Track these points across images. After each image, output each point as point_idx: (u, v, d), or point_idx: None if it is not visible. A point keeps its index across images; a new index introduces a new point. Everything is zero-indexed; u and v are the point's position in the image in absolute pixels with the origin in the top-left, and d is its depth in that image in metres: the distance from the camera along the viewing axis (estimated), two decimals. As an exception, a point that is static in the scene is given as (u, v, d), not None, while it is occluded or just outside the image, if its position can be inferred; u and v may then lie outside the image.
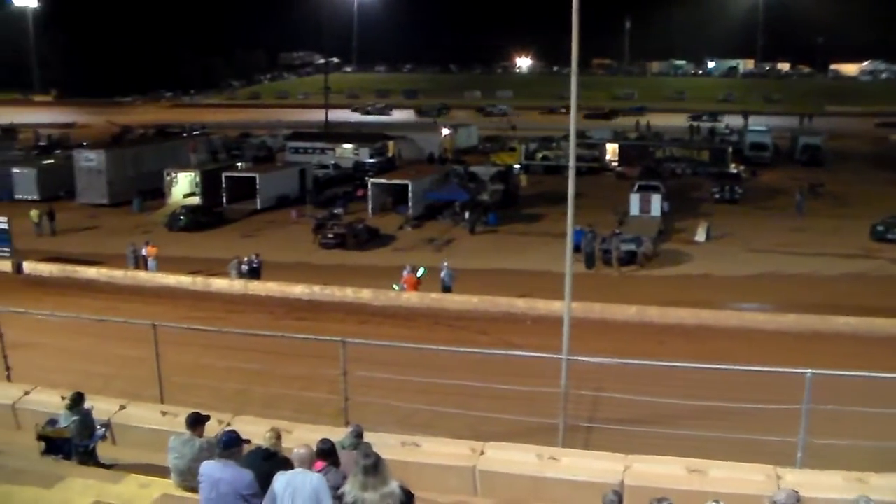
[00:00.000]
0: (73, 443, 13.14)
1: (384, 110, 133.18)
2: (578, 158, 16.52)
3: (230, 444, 9.42)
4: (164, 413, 14.95)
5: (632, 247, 40.18)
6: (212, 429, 12.45)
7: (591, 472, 12.25)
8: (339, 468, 9.51)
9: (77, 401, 13.73)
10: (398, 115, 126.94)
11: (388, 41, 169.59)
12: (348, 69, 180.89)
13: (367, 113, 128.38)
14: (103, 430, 14.00)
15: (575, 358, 14.95)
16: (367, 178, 58.77)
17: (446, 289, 35.39)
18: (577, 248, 31.77)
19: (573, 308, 16.80)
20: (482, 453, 13.00)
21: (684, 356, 21.13)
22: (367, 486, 8.43)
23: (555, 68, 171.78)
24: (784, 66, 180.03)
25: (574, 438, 15.07)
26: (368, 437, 11.19)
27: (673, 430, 14.82)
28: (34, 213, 50.02)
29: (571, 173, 15.98)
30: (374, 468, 8.55)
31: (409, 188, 52.31)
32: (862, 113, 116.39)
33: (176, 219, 50.81)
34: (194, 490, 10.76)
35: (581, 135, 67.32)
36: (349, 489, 8.58)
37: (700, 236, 45.25)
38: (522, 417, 15.43)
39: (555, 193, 50.02)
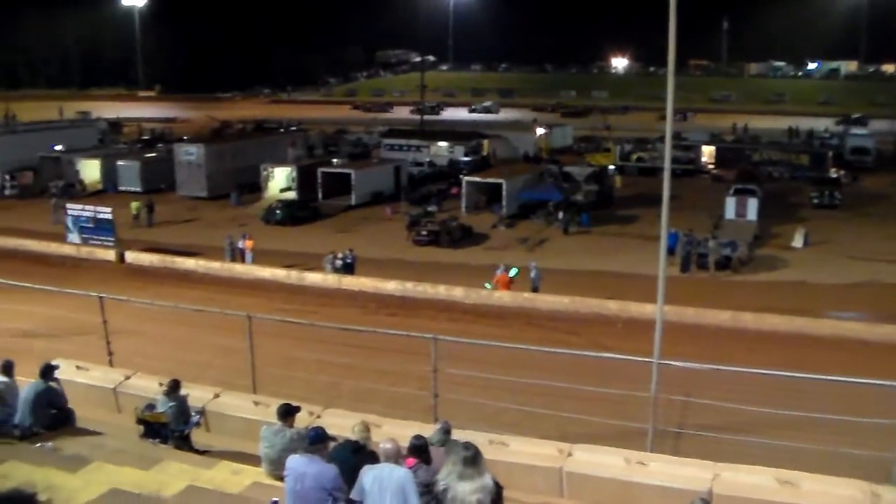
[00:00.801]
0: (170, 428, 13.50)
1: (491, 109, 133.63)
2: (673, 160, 16.34)
3: (316, 441, 9.55)
4: (256, 403, 15.20)
5: (726, 251, 39.55)
6: (302, 420, 12.66)
7: (679, 478, 12.06)
8: (431, 466, 9.57)
9: (174, 387, 14.10)
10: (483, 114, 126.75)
11: (484, 40, 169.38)
12: (444, 67, 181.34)
13: (474, 111, 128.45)
14: (198, 416, 14.33)
15: (666, 362, 14.79)
16: (461, 176, 58.86)
17: (535, 289, 35.33)
18: (670, 251, 31.44)
19: (666, 311, 16.62)
20: (570, 455, 12.91)
21: (777, 364, 20.74)
22: (465, 476, 8.50)
23: (651, 69, 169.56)
24: (889, 68, 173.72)
25: (662, 444, 14.91)
26: (456, 434, 11.22)
27: (764, 439, 14.54)
28: (134, 205, 51.24)
29: (666, 175, 15.81)
30: (473, 460, 8.63)
31: (503, 187, 52.20)
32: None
33: (272, 213, 51.54)
34: (283, 479, 10.99)
35: (677, 136, 66.43)
36: (443, 478, 8.66)
37: (797, 242, 44.29)
38: (611, 420, 15.30)
39: (649, 195, 49.36)
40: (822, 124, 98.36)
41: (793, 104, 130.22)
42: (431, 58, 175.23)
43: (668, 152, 16.12)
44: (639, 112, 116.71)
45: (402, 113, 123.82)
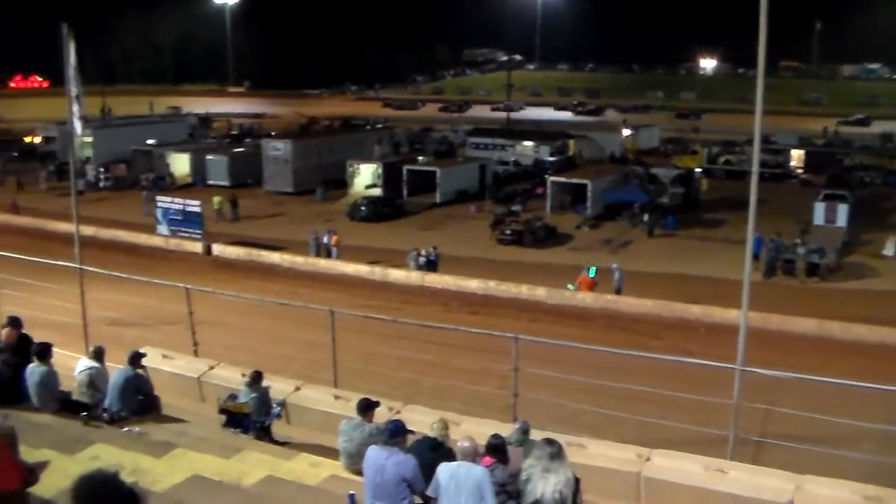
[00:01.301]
0: (251, 418, 13.72)
1: (514, 107, 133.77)
2: (762, 164, 16.02)
3: (396, 433, 9.61)
4: (336, 397, 15.38)
5: (814, 258, 38.77)
6: (382, 416, 12.75)
7: (760, 488, 11.85)
8: (508, 466, 9.58)
9: (256, 379, 14.34)
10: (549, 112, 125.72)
11: (571, 39, 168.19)
12: (531, 67, 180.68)
13: (578, 112, 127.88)
14: (279, 408, 14.55)
15: (749, 369, 14.55)
16: (546, 175, 58.69)
17: (618, 290, 35.09)
18: (755, 256, 30.91)
19: (750, 317, 16.38)
20: (648, 460, 12.81)
21: (864, 375, 20.27)
22: (548, 470, 8.52)
23: (740, 70, 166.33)
24: None
25: (743, 452, 14.67)
26: (535, 434, 11.22)
27: (849, 452, 14.24)
28: (217, 199, 52.06)
29: (754, 179, 15.55)
30: (559, 454, 8.65)
31: (588, 188, 51.92)
32: None
33: (357, 209, 51.98)
34: (361, 473, 11.06)
35: (765, 140, 65.26)
36: (526, 470, 8.68)
37: (889, 250, 43.17)
38: (691, 426, 15.14)
39: (736, 199, 48.59)
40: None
41: (889, 108, 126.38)
42: (518, 57, 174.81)
43: (756, 156, 15.86)
44: (728, 115, 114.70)
45: (483, 112, 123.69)
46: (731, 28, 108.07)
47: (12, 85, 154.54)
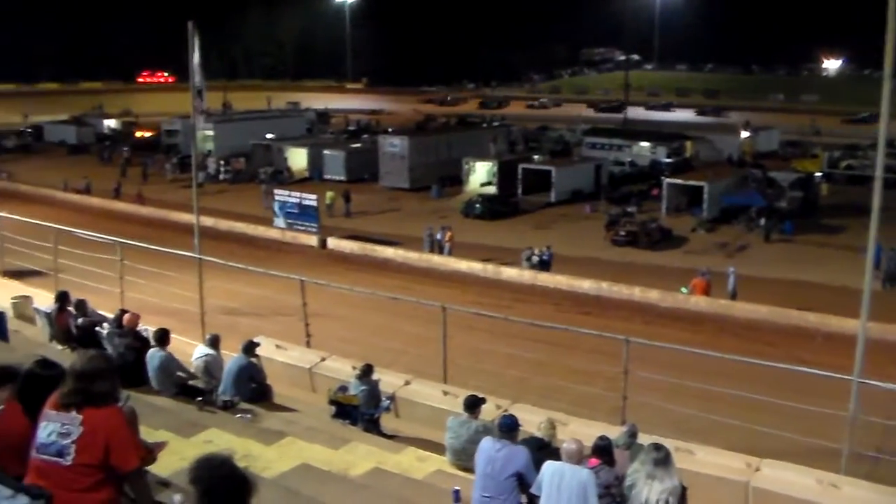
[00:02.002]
0: (360, 410, 13.91)
1: (546, 104, 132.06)
2: (886, 169, 15.51)
3: (510, 428, 9.68)
4: (445, 393, 15.46)
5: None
6: (489, 413, 12.82)
7: (874, 505, 11.58)
8: (613, 468, 9.54)
9: (367, 372, 14.56)
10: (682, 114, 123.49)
11: (691, 39, 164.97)
12: (648, 67, 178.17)
13: (703, 114, 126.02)
14: (388, 402, 14.72)
15: (867, 381, 14.15)
16: (662, 177, 57.96)
17: (732, 295, 34.46)
18: (877, 265, 29.96)
19: (869, 328, 15.92)
20: (757, 469, 12.53)
21: None
22: (655, 476, 8.47)
23: (865, 71, 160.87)
24: None
25: (857, 467, 14.22)
26: (642, 438, 11.14)
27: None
28: (329, 195, 52.33)
29: (878, 184, 15.11)
30: (665, 461, 8.60)
31: (705, 190, 51.01)
32: None
33: (472, 206, 52.10)
34: (467, 469, 11.13)
35: (890, 144, 63.05)
36: (631, 475, 8.65)
37: None
38: (803, 437, 14.80)
39: (857, 205, 47.16)
40: None
41: None
42: (636, 56, 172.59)
43: (880, 160, 15.42)
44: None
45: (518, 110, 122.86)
46: (857, 28, 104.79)
47: (140, 80, 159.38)
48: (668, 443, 12.11)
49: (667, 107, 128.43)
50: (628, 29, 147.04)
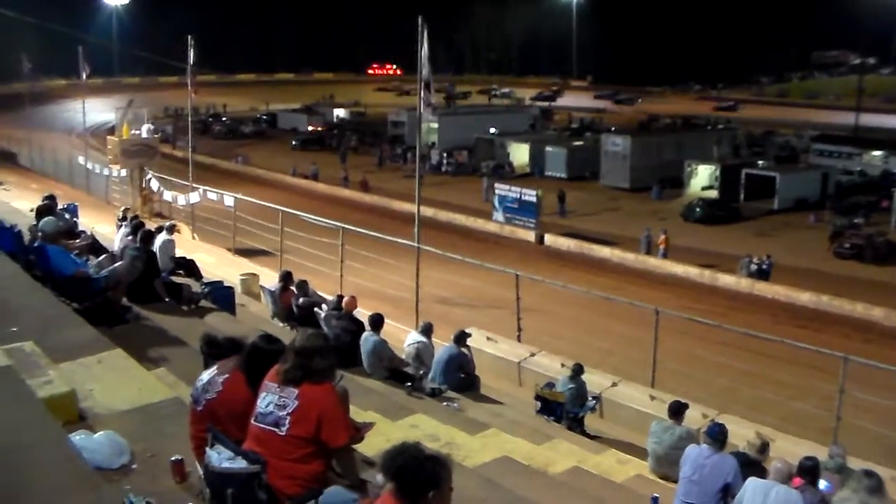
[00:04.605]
0: (566, 408, 13.97)
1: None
2: None
3: (719, 436, 9.54)
4: (652, 397, 15.32)
5: None
6: (695, 421, 12.62)
7: None
8: (818, 489, 9.24)
9: (578, 371, 14.64)
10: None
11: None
12: (885, 71, 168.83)
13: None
14: (594, 402, 14.73)
15: None
16: (893, 188, 54.96)
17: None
18: None
19: None
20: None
21: None
22: None
23: None
24: None
25: None
26: (853, 463, 10.72)
27: None
28: (538, 192, 52.23)
29: None
30: (879, 489, 8.26)
31: (943, 205, 48.15)
32: None
33: (692, 210, 51.06)
34: (666, 478, 11.02)
35: None
36: (841, 502, 8.36)
37: None
38: None
39: None
40: None
41: None
42: (871, 60, 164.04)
43: None
44: None
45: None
46: None
47: (370, 72, 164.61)
48: (884, 471, 11.58)
49: None
50: (865, 31, 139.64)
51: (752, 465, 9.69)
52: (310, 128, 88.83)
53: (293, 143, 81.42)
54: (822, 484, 9.47)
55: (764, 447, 9.95)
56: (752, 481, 8.61)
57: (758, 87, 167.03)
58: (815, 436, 14.34)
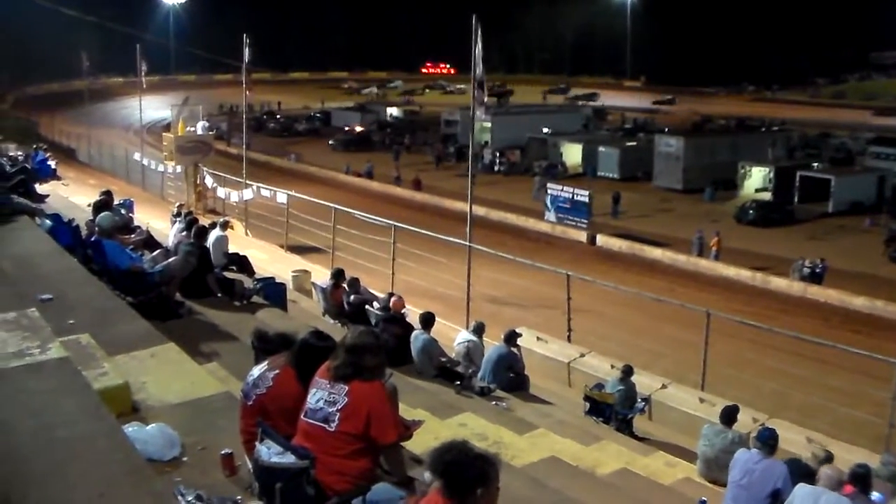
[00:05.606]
0: (615, 409, 13.92)
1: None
2: None
3: (769, 440, 9.47)
4: (701, 400, 15.24)
5: None
6: (745, 425, 12.52)
7: None
8: (870, 499, 9.13)
9: (628, 373, 14.61)
10: None
11: None
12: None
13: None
14: (643, 403, 14.68)
15: None
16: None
17: None
18: None
19: None
20: None
21: None
22: None
23: None
24: None
25: None
26: (904, 470, 10.57)
27: None
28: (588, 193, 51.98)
29: None
30: None
31: None
32: None
33: (745, 212, 50.56)
34: (715, 482, 10.95)
35: None
36: None
37: None
38: None
39: None
40: None
41: None
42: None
43: None
44: None
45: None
46: None
47: (423, 71, 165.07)
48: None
49: None
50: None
51: (807, 475, 9.51)
52: (351, 128, 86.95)
53: (330, 142, 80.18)
54: (875, 495, 9.35)
55: (827, 460, 9.85)
56: (800, 487, 8.54)
57: (814, 88, 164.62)
58: (867, 443, 14.15)
